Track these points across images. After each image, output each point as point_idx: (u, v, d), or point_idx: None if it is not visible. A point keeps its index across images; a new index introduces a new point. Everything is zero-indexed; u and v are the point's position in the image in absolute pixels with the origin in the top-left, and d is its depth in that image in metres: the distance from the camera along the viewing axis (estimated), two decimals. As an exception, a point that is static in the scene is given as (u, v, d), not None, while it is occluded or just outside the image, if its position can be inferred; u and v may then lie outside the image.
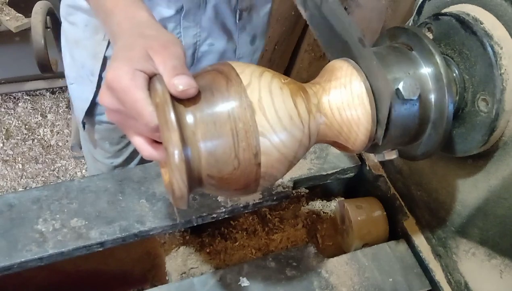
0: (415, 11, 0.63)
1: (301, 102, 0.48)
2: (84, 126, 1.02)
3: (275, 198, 0.74)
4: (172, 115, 0.42)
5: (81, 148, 2.04)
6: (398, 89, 0.49)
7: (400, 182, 0.77)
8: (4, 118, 2.13)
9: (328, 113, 0.50)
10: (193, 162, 0.44)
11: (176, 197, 0.44)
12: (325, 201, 0.89)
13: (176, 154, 0.41)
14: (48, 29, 1.67)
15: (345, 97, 0.50)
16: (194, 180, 0.46)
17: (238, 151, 0.45)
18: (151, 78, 0.45)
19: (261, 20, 0.94)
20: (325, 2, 0.52)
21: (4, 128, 2.10)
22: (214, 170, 0.45)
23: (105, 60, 0.88)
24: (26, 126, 2.11)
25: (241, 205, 0.72)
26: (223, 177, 0.46)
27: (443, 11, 0.57)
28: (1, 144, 2.04)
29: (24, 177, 1.95)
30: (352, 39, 0.50)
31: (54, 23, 1.71)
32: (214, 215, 0.70)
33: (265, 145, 0.46)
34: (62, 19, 0.92)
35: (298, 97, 0.48)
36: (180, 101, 0.44)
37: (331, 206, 0.87)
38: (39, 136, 2.09)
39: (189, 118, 0.44)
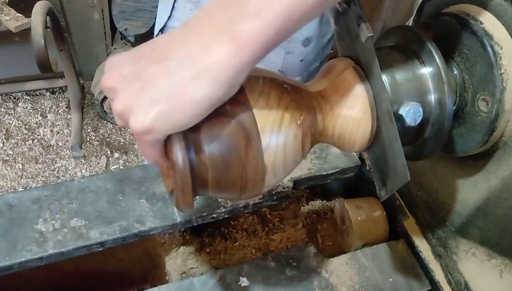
0: (415, 11, 0.63)
1: (308, 142, 0.48)
2: None
3: (275, 198, 0.74)
4: (185, 179, 0.43)
5: (81, 148, 2.04)
6: (400, 115, 0.49)
7: (400, 182, 0.77)
8: (4, 118, 2.13)
9: (329, 136, 0.51)
10: (199, 193, 0.48)
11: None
12: (325, 201, 0.89)
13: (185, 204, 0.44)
14: (48, 29, 1.67)
15: (350, 130, 0.50)
16: (198, 189, 0.48)
17: (242, 196, 0.48)
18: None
19: None
20: (361, 43, 0.48)
21: (4, 128, 2.09)
22: (218, 197, 0.50)
23: None
24: (26, 126, 2.11)
25: (241, 205, 0.72)
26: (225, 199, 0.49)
27: (443, 11, 0.57)
28: (1, 145, 2.04)
29: (24, 177, 1.95)
30: (381, 106, 0.48)
31: (54, 23, 1.72)
32: (214, 215, 0.70)
33: (266, 189, 0.49)
34: None
35: (307, 138, 0.48)
36: (197, 153, 0.44)
37: (331, 206, 0.88)
38: (39, 136, 2.08)
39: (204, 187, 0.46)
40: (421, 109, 0.50)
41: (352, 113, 0.49)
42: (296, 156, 0.48)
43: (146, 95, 0.38)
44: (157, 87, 0.38)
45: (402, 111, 0.50)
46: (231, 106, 0.43)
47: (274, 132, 0.45)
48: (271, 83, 0.47)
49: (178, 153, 0.41)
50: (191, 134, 0.43)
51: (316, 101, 0.50)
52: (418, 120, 0.50)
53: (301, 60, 0.97)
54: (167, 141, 0.42)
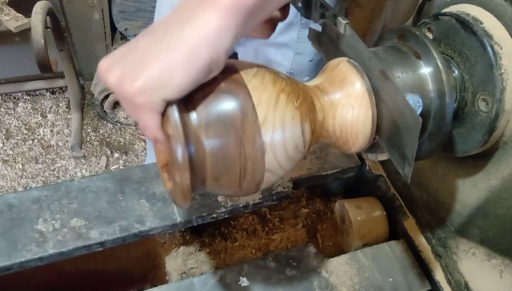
0: (415, 11, 0.63)
1: (308, 127, 0.48)
2: None
3: (275, 198, 0.74)
4: (183, 154, 0.42)
5: (81, 148, 2.04)
6: None
7: (400, 182, 0.77)
8: (4, 118, 2.13)
9: (330, 129, 0.51)
10: (198, 184, 0.47)
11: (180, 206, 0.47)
12: (325, 201, 0.89)
13: (184, 185, 0.43)
14: (48, 29, 1.67)
15: (351, 119, 0.50)
16: (197, 186, 0.47)
17: (243, 183, 0.47)
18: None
19: None
20: (342, 37, 0.50)
21: (4, 128, 2.09)
22: (217, 191, 0.49)
23: None
24: (26, 126, 2.11)
25: (241, 205, 0.72)
26: (224, 193, 0.52)
27: (443, 11, 0.57)
28: (1, 145, 2.04)
29: (24, 177, 1.95)
30: (374, 72, 0.48)
31: (54, 23, 1.72)
32: (214, 215, 0.70)
33: (268, 177, 0.48)
34: None
35: (306, 122, 0.48)
36: (193, 132, 0.44)
37: (331, 206, 0.88)
38: (39, 136, 2.08)
39: (201, 150, 0.44)
40: (420, 100, 0.50)
41: (350, 101, 0.49)
42: (296, 139, 0.47)
43: (138, 61, 0.41)
44: (148, 53, 0.40)
45: None
46: (225, 83, 0.45)
47: (271, 107, 0.45)
48: (266, 69, 0.48)
49: (174, 126, 0.42)
50: (185, 111, 0.43)
51: (313, 92, 0.50)
52: (418, 111, 0.50)
53: (310, 60, 0.97)
54: (163, 116, 0.42)
